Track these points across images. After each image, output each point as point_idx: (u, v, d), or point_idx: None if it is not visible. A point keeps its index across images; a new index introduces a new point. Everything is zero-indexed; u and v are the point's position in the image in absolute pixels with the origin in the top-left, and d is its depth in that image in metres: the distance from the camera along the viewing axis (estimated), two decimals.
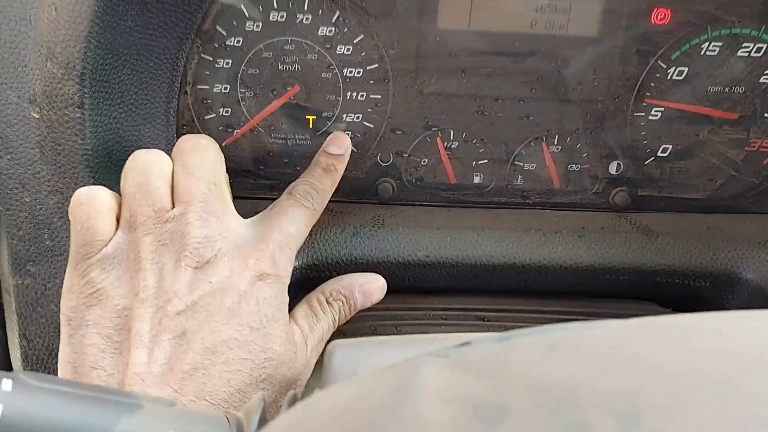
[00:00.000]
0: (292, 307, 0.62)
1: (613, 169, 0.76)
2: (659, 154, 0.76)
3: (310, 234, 0.68)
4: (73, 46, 0.57)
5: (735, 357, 0.29)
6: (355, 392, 0.30)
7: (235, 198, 0.73)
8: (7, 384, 0.35)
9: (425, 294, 0.72)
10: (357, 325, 0.68)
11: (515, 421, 0.25)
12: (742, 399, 0.25)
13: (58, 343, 0.64)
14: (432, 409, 0.26)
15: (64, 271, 0.62)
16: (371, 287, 0.65)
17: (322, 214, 0.70)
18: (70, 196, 0.60)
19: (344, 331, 0.67)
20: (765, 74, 0.73)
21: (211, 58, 0.69)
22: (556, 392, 0.26)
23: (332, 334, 0.65)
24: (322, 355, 0.59)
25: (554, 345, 0.31)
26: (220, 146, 0.66)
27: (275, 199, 0.74)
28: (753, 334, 0.31)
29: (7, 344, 0.67)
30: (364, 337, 0.43)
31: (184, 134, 0.70)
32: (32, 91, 0.59)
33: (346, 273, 0.69)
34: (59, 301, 0.63)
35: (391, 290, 0.71)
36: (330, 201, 0.74)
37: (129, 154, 0.63)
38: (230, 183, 0.73)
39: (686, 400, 0.25)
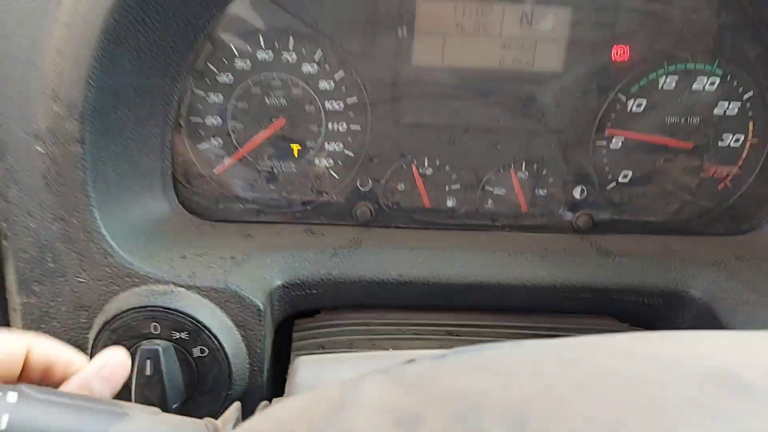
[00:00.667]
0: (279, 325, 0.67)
1: (577, 194, 0.82)
2: (620, 180, 0.81)
3: (291, 255, 0.73)
4: (74, 88, 0.63)
5: (619, 373, 0.34)
6: (303, 404, 0.35)
7: (225, 222, 0.79)
8: (13, 396, 0.41)
9: (400, 310, 0.78)
10: (335, 339, 0.73)
11: (427, 429, 0.30)
12: (614, 409, 0.31)
13: None
14: (361, 420, 0.32)
15: (66, 292, 0.68)
16: (111, 370, 0.53)
17: (303, 236, 0.76)
18: (72, 223, 0.66)
19: (323, 344, 0.72)
20: (718, 106, 0.78)
21: (204, 94, 0.75)
22: (464, 404, 0.32)
23: (316, 346, 0.71)
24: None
25: (478, 363, 0.37)
26: (213, 174, 0.71)
27: (263, 222, 0.80)
28: (642, 354, 0.37)
29: None
30: (329, 352, 0.48)
31: (179, 163, 0.77)
32: (37, 127, 0.65)
33: (325, 292, 0.74)
34: (62, 319, 0.69)
35: (367, 306, 0.77)
36: (311, 224, 0.80)
37: (126, 184, 0.70)
38: (221, 208, 0.79)
39: (567, 410, 0.31)
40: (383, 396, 0.35)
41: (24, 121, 0.65)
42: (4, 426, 0.40)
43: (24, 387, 0.42)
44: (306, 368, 0.44)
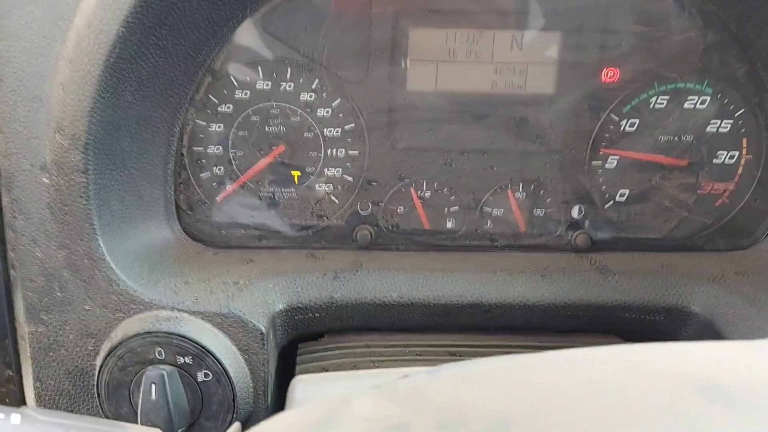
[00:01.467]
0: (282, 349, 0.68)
1: (575, 213, 0.83)
2: (617, 198, 0.82)
3: (293, 279, 0.75)
4: (78, 120, 0.65)
5: (602, 381, 0.35)
6: (298, 417, 0.36)
7: (228, 247, 0.81)
8: (16, 418, 0.42)
9: (402, 332, 0.79)
10: (339, 362, 0.74)
11: None
12: (597, 415, 0.32)
13: (68, 384, 0.71)
14: (353, 429, 0.32)
15: (74, 319, 0.70)
16: None
17: (304, 260, 0.77)
18: (78, 252, 0.68)
19: (327, 367, 0.73)
20: (711, 123, 0.80)
21: (205, 124, 0.77)
22: (451, 413, 0.33)
23: (319, 369, 0.71)
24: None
25: (466, 376, 0.38)
26: (215, 201, 0.73)
27: (265, 248, 0.81)
28: (625, 363, 0.37)
29: (22, 386, 0.74)
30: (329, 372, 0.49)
31: (181, 191, 0.78)
32: (43, 159, 0.67)
33: (327, 315, 0.75)
34: (69, 347, 0.71)
35: (369, 329, 0.78)
36: (312, 248, 0.81)
37: (130, 213, 0.71)
38: (223, 234, 0.81)
39: (551, 416, 0.32)
40: (374, 408, 0.35)
41: (30, 153, 0.67)
42: None
43: (27, 409, 0.43)
44: (304, 386, 0.45)
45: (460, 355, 0.76)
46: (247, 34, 0.75)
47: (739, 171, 0.82)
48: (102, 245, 0.68)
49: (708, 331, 0.74)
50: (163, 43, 0.67)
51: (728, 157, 0.81)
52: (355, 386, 0.40)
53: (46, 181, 0.67)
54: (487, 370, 0.39)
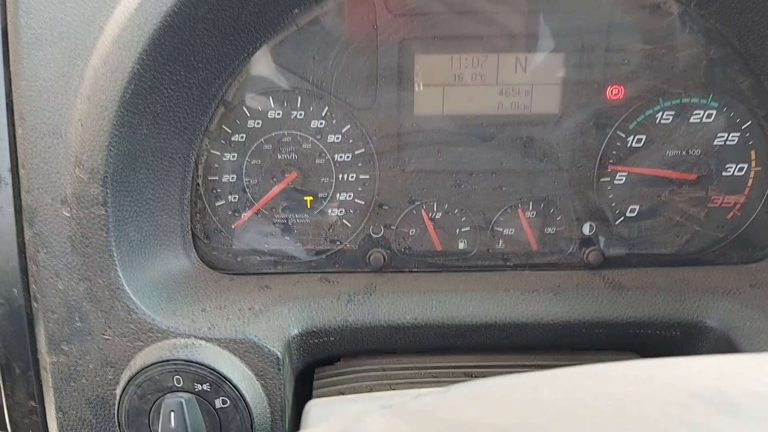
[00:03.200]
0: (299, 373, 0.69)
1: (586, 230, 0.83)
2: (627, 214, 0.82)
3: (307, 304, 0.76)
4: (96, 155, 0.67)
5: (611, 395, 0.35)
6: None
7: (243, 274, 0.82)
8: None
9: (417, 354, 0.79)
10: (354, 385, 0.74)
11: None
12: (605, 427, 0.32)
13: (90, 414, 0.73)
14: None
15: (94, 349, 0.71)
16: None
17: (319, 285, 0.78)
18: (98, 283, 0.70)
19: (343, 391, 0.73)
20: (718, 137, 0.80)
21: (219, 153, 0.79)
22: (459, 428, 0.34)
23: (336, 393, 0.72)
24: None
25: (477, 393, 0.38)
26: (230, 229, 0.74)
27: (280, 273, 0.83)
28: (635, 378, 0.38)
29: (45, 416, 0.76)
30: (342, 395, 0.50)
31: (197, 220, 0.80)
32: (63, 193, 0.69)
33: (342, 338, 0.76)
34: (90, 377, 0.72)
35: (385, 351, 0.79)
36: (326, 272, 0.82)
37: (148, 242, 0.73)
38: (239, 261, 0.82)
39: (558, 427, 0.32)
40: (384, 427, 0.36)
41: (51, 188, 0.69)
42: None
43: None
44: (318, 410, 0.46)
45: (475, 376, 0.76)
46: (257, 66, 0.77)
47: (749, 183, 0.82)
48: (121, 276, 0.70)
49: (725, 345, 0.73)
50: (176, 77, 0.69)
51: (737, 169, 0.81)
52: (367, 407, 0.41)
53: (66, 214, 0.69)
54: (497, 387, 0.39)
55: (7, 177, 0.72)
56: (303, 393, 0.79)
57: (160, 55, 0.66)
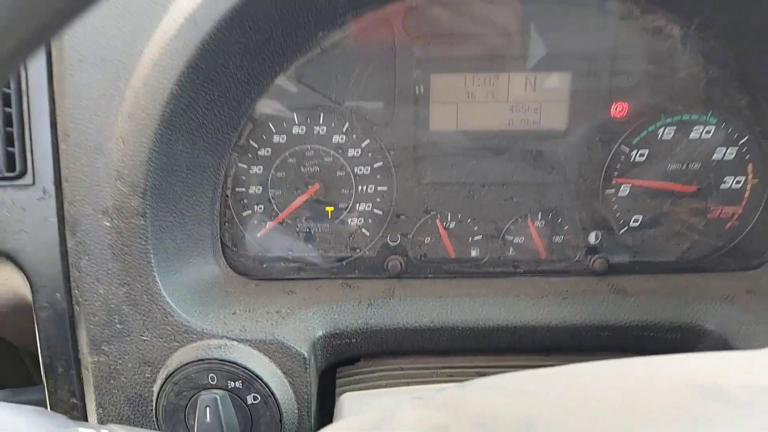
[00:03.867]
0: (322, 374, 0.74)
1: (592, 239, 0.88)
2: (631, 224, 0.87)
3: (330, 307, 0.81)
4: (137, 169, 0.72)
5: (618, 387, 0.40)
6: (351, 424, 0.42)
7: (269, 280, 0.87)
8: (105, 430, 0.48)
9: (433, 354, 0.84)
10: (374, 384, 0.79)
11: None
12: (612, 415, 0.37)
13: (128, 410, 0.78)
14: (399, 431, 0.38)
15: (132, 349, 0.76)
16: None
17: (340, 289, 0.83)
18: (137, 288, 0.75)
19: (364, 389, 0.78)
20: (716, 151, 0.85)
21: (246, 167, 0.84)
22: (485, 417, 0.39)
23: (355, 389, 0.77)
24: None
25: (496, 387, 0.44)
26: (257, 238, 0.79)
27: (304, 279, 0.88)
28: (639, 373, 0.43)
29: (86, 412, 0.81)
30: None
31: (226, 229, 0.85)
32: (105, 205, 0.74)
33: (363, 340, 0.81)
34: (128, 375, 0.77)
35: (402, 352, 0.84)
36: (347, 278, 0.87)
37: (182, 250, 0.78)
38: (265, 267, 0.87)
39: (570, 417, 0.37)
40: (417, 414, 0.41)
41: (93, 200, 0.75)
42: None
43: (113, 425, 0.49)
44: (351, 402, 0.51)
45: (487, 375, 0.81)
46: (283, 85, 0.82)
47: (746, 195, 0.86)
48: (158, 281, 0.75)
49: (722, 347, 0.78)
50: (210, 97, 0.74)
51: (735, 182, 0.86)
52: (399, 399, 0.46)
53: (107, 224, 0.74)
54: (515, 381, 0.45)
55: (51, 189, 0.77)
56: (326, 391, 0.84)
57: (196, 77, 0.71)
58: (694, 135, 0.84)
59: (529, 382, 0.45)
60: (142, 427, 0.78)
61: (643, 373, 0.44)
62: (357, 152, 0.85)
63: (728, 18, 0.77)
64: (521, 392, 0.43)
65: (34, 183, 0.77)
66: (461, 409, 0.41)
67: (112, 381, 0.78)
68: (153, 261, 0.75)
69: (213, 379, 0.74)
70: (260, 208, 0.86)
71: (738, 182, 0.86)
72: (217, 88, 0.74)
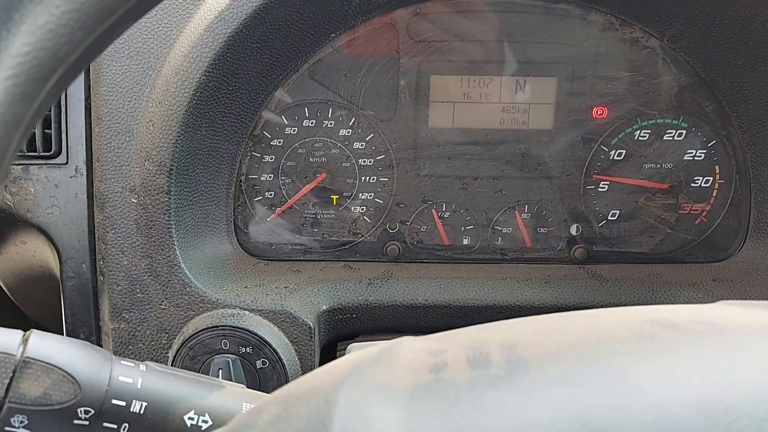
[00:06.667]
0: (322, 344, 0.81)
1: (573, 230, 0.96)
2: (609, 217, 0.96)
3: (333, 284, 0.88)
4: (164, 150, 0.80)
5: (587, 322, 0.48)
6: (359, 354, 0.49)
7: (276, 261, 0.94)
8: (144, 366, 0.55)
9: (427, 332, 0.91)
10: None
11: (449, 354, 0.44)
12: (580, 337, 0.45)
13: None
14: (402, 355, 0.46)
15: (151, 317, 0.83)
16: None
17: (343, 271, 0.91)
18: (158, 260, 0.82)
19: None
20: (687, 153, 0.94)
21: (259, 155, 0.92)
22: (476, 342, 0.46)
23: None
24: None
25: (485, 327, 0.51)
26: (266, 221, 0.87)
27: (309, 261, 0.95)
28: (605, 314, 0.50)
29: None
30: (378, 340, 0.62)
31: (239, 212, 0.93)
32: (133, 183, 0.82)
33: (364, 316, 0.88)
34: (146, 341, 0.84)
35: (398, 330, 0.91)
36: (349, 260, 0.95)
37: (200, 229, 0.85)
38: (273, 249, 0.94)
39: (546, 340, 0.45)
40: (418, 344, 0.49)
41: (122, 178, 0.82)
42: (139, 386, 0.54)
43: (150, 362, 0.56)
44: (359, 349, 0.58)
45: None
46: (297, 80, 0.90)
47: (714, 194, 0.95)
48: (179, 254, 0.82)
49: None
50: (232, 88, 0.82)
51: (704, 181, 0.94)
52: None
53: (134, 201, 0.82)
54: (500, 323, 0.52)
55: (83, 168, 0.84)
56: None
57: (222, 69, 0.79)
58: (667, 137, 0.93)
59: (513, 323, 0.52)
60: None
61: (607, 313, 0.52)
62: (362, 145, 0.93)
63: (696, 32, 0.86)
64: (506, 327, 0.51)
65: (67, 162, 0.84)
66: (456, 339, 0.49)
67: (130, 347, 0.84)
68: (174, 235, 0.82)
69: (225, 345, 0.81)
70: (270, 195, 0.94)
71: (707, 182, 0.94)
72: (238, 80, 0.82)
